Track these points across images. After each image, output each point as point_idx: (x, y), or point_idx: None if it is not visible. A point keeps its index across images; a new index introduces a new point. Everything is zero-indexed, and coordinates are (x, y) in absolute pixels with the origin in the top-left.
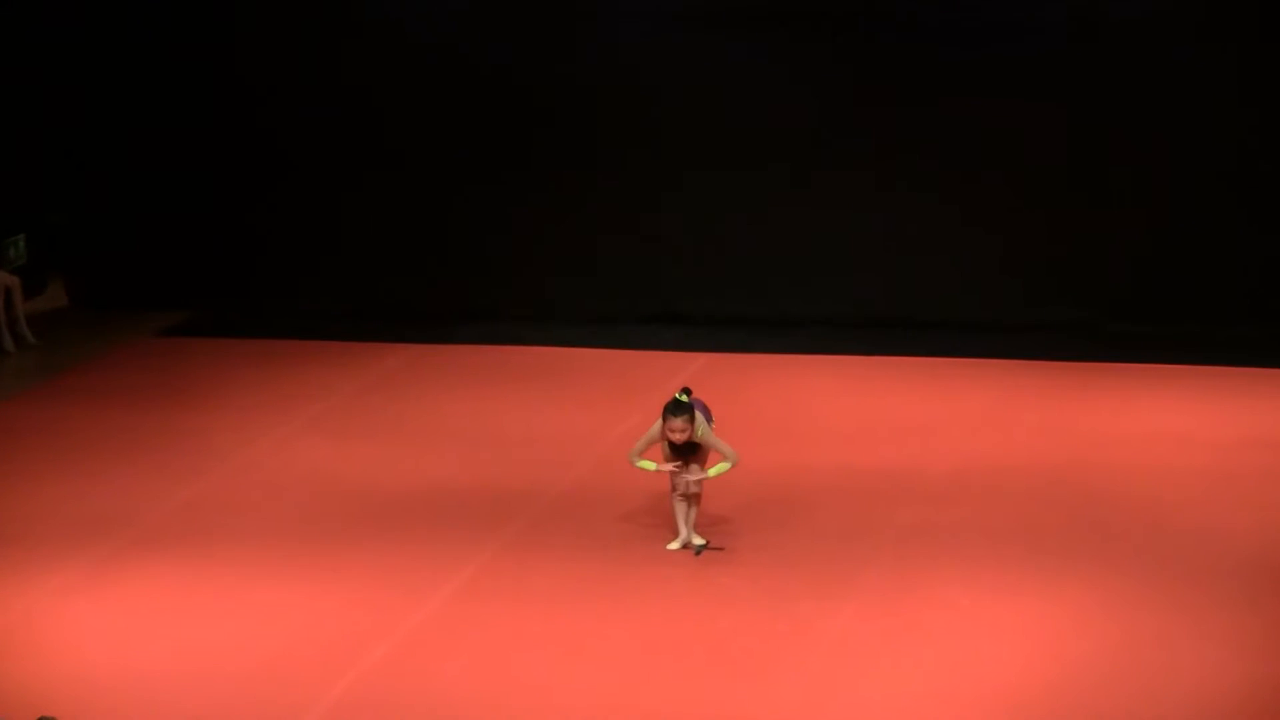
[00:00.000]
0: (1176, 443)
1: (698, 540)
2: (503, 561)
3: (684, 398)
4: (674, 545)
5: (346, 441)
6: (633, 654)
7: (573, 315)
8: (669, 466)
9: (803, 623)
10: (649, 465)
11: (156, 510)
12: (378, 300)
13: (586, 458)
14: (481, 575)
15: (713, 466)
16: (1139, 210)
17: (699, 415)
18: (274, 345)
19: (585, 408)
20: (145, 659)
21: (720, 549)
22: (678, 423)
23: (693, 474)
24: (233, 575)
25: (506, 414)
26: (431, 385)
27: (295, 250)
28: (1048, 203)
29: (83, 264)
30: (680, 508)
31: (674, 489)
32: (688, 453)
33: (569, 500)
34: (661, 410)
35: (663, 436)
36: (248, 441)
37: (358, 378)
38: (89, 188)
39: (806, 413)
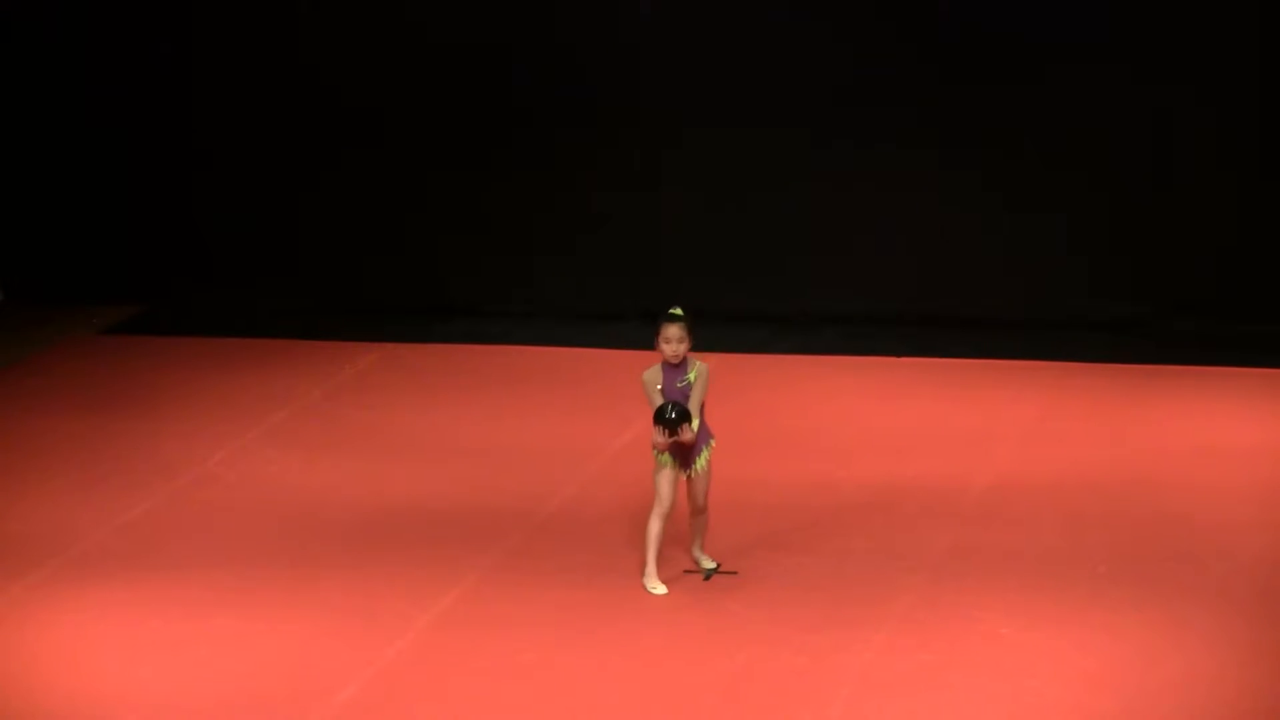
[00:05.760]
0: (1250, 456)
1: (708, 563)
2: (487, 589)
3: (677, 310)
4: (649, 582)
5: (312, 453)
6: (634, 693)
7: (565, 310)
8: (662, 439)
9: (824, 656)
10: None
11: (97, 530)
12: (347, 294)
13: (582, 471)
14: (462, 604)
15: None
16: (1207, 197)
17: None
18: (231, 344)
19: (580, 415)
20: (81, 697)
21: (733, 573)
22: (674, 330)
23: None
24: (183, 604)
25: (491, 422)
26: (407, 389)
27: (255, 239)
28: (1105, 189)
29: (18, 254)
30: (687, 527)
31: (663, 507)
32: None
33: (562, 520)
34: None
35: (658, 390)
36: (201, 453)
37: (324, 381)
38: (24, 171)
39: (831, 422)
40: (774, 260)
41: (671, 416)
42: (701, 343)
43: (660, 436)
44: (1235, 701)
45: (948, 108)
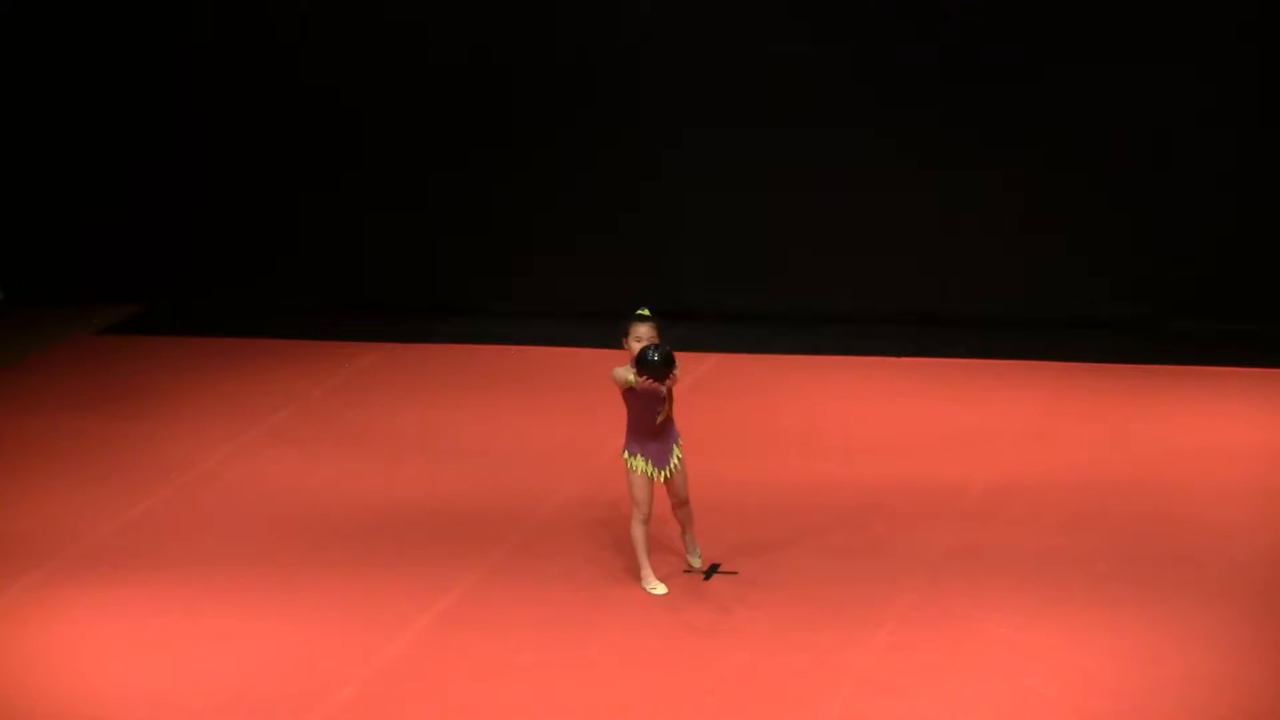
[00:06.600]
0: (1250, 456)
1: (696, 556)
2: (486, 589)
3: (644, 311)
4: (648, 583)
5: (312, 452)
6: (633, 693)
7: (564, 310)
8: (638, 380)
9: (824, 656)
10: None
11: (98, 529)
12: (347, 294)
13: (582, 471)
14: (462, 604)
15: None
16: (1207, 196)
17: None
18: (231, 344)
19: (580, 415)
20: (83, 696)
21: (733, 573)
22: (645, 329)
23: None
24: (183, 603)
25: (491, 421)
26: (407, 389)
27: (255, 239)
28: (1105, 189)
29: (18, 253)
30: (676, 519)
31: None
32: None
33: (562, 519)
34: (626, 335)
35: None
36: (201, 452)
37: (325, 380)
38: (25, 171)
39: (830, 421)
40: (774, 260)
41: (654, 359)
42: (701, 342)
43: (642, 381)
44: (1236, 701)
45: (948, 107)
